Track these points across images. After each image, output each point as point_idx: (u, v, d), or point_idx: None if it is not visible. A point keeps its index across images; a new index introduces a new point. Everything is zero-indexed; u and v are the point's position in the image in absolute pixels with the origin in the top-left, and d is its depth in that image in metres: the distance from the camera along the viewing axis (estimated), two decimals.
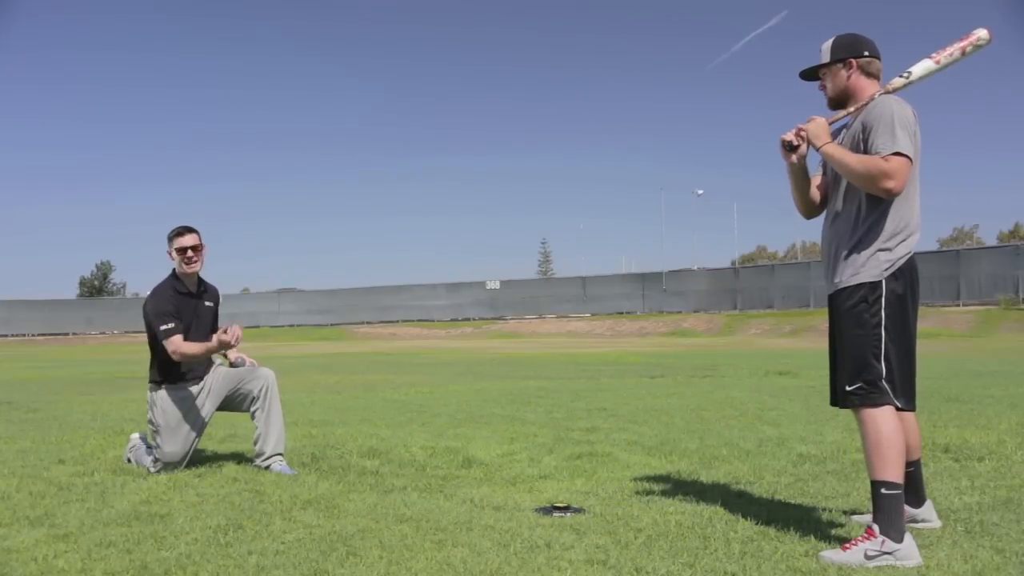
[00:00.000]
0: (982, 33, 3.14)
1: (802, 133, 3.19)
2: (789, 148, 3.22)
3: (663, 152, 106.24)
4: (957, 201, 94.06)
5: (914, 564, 2.82)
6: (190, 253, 4.77)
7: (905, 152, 2.95)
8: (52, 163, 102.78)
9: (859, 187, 3.05)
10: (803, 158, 3.25)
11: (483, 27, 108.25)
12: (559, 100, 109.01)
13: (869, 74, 3.18)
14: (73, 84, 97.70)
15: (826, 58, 3.22)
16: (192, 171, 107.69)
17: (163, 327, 4.65)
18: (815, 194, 3.34)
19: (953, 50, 3.16)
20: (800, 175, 3.30)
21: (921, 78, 3.17)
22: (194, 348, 4.66)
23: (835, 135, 3.26)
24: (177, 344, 4.63)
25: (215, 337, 4.58)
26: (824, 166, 3.32)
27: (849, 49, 3.18)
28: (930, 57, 3.18)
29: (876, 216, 3.05)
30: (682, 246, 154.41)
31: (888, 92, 3.14)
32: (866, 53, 3.18)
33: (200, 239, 4.82)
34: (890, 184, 2.95)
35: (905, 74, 3.17)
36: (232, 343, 4.58)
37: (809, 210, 3.37)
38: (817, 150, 3.15)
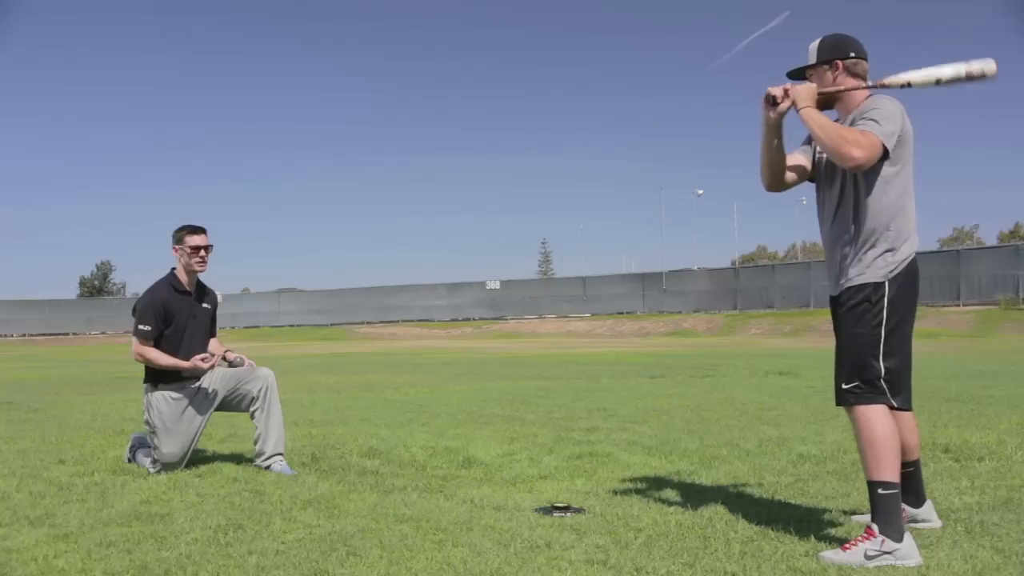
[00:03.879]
0: (990, 67, 3.05)
1: (789, 92, 3.13)
2: (772, 102, 3.17)
3: (663, 152, 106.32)
4: (957, 201, 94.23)
5: (914, 564, 2.82)
6: (203, 253, 4.77)
7: (881, 136, 2.95)
8: (52, 163, 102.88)
9: (828, 154, 3.05)
10: (782, 115, 3.17)
11: (483, 27, 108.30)
12: (559, 100, 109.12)
13: (855, 75, 3.17)
14: (73, 84, 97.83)
15: (813, 59, 3.22)
16: (192, 171, 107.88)
17: (141, 326, 4.68)
18: (784, 165, 3.25)
19: (959, 70, 3.07)
20: (774, 133, 3.20)
21: (916, 85, 3.14)
22: (162, 359, 4.68)
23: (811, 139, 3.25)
24: (145, 349, 4.68)
25: (194, 359, 4.65)
26: (815, 161, 3.30)
27: (835, 50, 3.18)
28: (935, 69, 3.11)
29: (881, 218, 3.05)
30: (682, 246, 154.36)
31: (879, 86, 3.13)
32: (852, 54, 3.17)
33: (208, 239, 4.82)
34: (856, 152, 2.92)
35: (903, 80, 3.12)
36: (206, 370, 4.70)
37: (772, 179, 3.29)
38: (798, 111, 3.12)
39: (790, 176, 3.30)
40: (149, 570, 2.88)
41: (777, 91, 3.15)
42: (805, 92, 3.12)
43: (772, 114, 3.17)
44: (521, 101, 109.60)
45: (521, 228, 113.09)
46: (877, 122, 2.97)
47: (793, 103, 3.13)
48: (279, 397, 4.87)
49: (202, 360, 4.66)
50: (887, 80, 3.14)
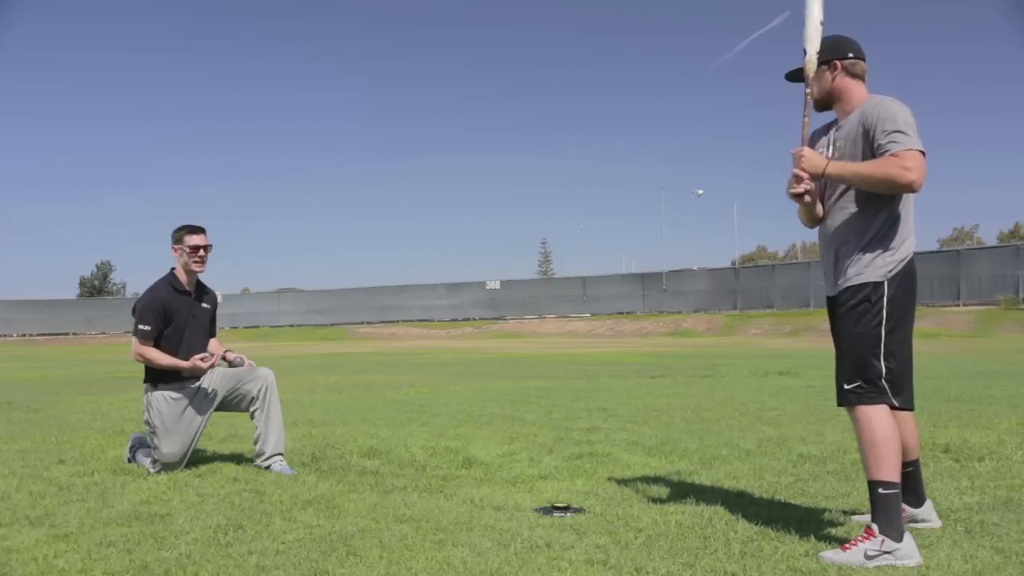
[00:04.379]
0: None
1: (802, 175, 3.13)
2: (802, 195, 3.17)
3: (663, 152, 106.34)
4: (957, 201, 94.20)
5: (914, 564, 2.83)
6: (202, 252, 4.77)
7: (918, 147, 2.93)
8: (52, 163, 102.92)
9: (878, 191, 3.01)
10: (813, 193, 3.21)
11: (483, 27, 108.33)
12: (559, 100, 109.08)
13: (854, 75, 3.18)
14: (73, 84, 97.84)
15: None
16: (192, 171, 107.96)
17: (141, 326, 4.68)
18: (819, 207, 3.30)
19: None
20: (813, 204, 3.25)
21: (820, 47, 3.15)
22: (162, 359, 4.68)
23: (813, 142, 3.25)
24: (145, 349, 4.68)
25: (194, 359, 4.66)
26: None
27: (833, 51, 3.18)
28: (810, 22, 3.15)
29: (881, 218, 3.05)
30: (682, 246, 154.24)
31: (809, 86, 3.16)
32: (850, 55, 3.18)
33: (207, 239, 4.82)
34: (911, 177, 2.90)
35: (813, 61, 3.15)
36: (205, 369, 4.71)
37: (815, 222, 3.33)
38: (825, 177, 3.10)
39: (821, 209, 3.31)
40: (149, 570, 2.89)
41: (799, 188, 3.14)
42: (812, 160, 3.09)
43: (807, 199, 3.19)
44: (521, 101, 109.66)
45: (521, 228, 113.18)
46: (904, 133, 2.95)
47: (813, 176, 3.13)
48: (279, 397, 4.88)
49: (201, 360, 4.66)
50: (809, 77, 3.16)
